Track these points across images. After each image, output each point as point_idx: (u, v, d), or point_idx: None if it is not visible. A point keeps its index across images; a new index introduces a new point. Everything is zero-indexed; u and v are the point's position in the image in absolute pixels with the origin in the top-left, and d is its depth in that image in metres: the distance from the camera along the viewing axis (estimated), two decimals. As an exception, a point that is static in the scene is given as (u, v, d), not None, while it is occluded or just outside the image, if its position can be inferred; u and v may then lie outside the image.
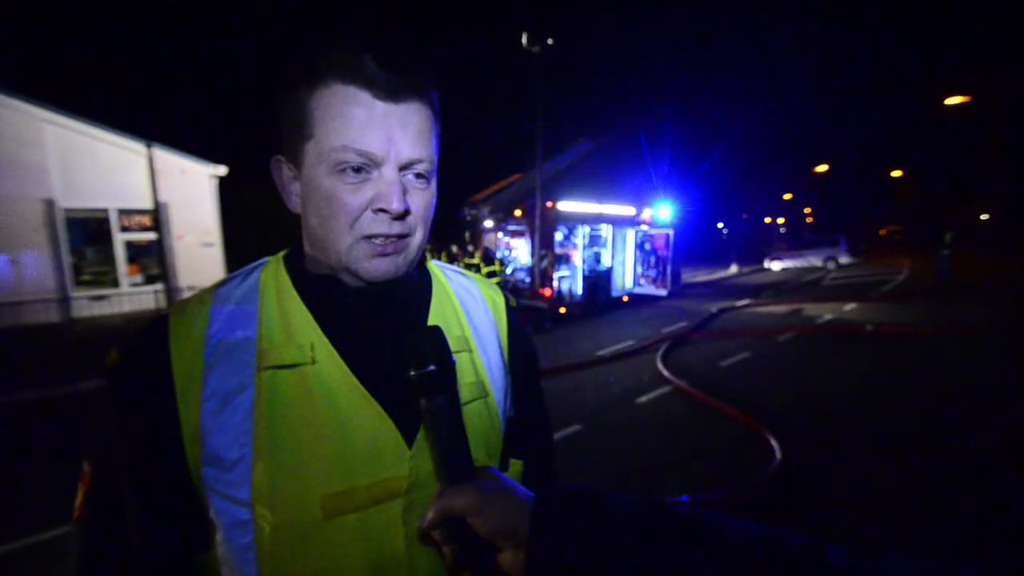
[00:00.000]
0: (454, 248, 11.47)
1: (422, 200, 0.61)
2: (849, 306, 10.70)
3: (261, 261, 0.68)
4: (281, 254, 0.69)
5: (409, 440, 0.59)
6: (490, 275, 10.22)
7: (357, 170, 0.57)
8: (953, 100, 19.15)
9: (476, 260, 10.90)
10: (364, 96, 0.56)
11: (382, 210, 0.58)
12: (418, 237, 0.63)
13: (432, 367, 0.52)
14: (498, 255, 10.97)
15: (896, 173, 46.89)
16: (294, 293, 0.63)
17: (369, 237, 0.59)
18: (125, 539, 0.55)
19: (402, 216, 0.59)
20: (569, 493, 0.50)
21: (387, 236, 0.59)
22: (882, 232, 52.95)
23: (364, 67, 0.55)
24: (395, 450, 0.58)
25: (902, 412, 4.61)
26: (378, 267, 0.60)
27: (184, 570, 0.57)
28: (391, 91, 0.56)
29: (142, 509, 0.55)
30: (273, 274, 0.65)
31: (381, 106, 0.56)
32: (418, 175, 0.60)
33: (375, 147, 0.56)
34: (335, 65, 0.56)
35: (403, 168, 0.58)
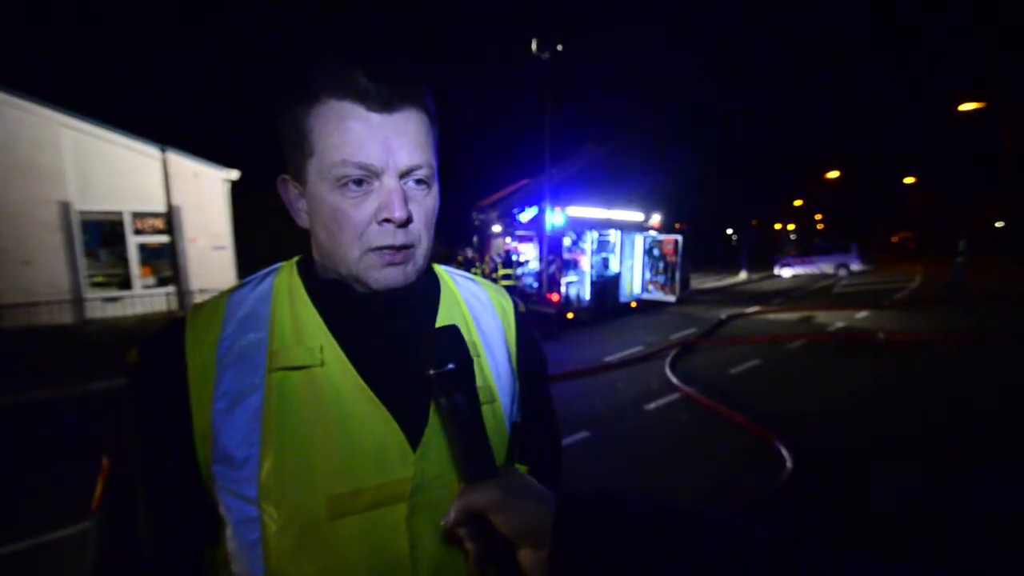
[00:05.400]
0: (470, 253, 11.49)
1: (424, 206, 0.62)
2: (861, 314, 10.59)
3: (275, 266, 0.70)
4: (295, 259, 0.70)
5: (414, 443, 0.59)
6: (506, 277, 10.25)
7: (358, 183, 0.58)
8: (967, 106, 18.96)
9: (486, 269, 10.91)
10: (358, 110, 0.57)
11: (387, 220, 0.59)
12: (424, 244, 0.64)
13: (452, 365, 0.52)
14: (515, 259, 10.99)
15: (909, 180, 46.43)
16: (306, 297, 0.64)
17: (376, 249, 0.60)
18: (138, 531, 0.57)
19: (405, 224, 0.60)
20: (592, 494, 0.50)
21: (393, 247, 0.60)
22: (894, 239, 52.45)
23: (355, 82, 0.56)
24: (400, 452, 0.58)
25: (915, 421, 4.54)
26: (388, 276, 0.62)
27: (193, 563, 0.59)
28: (384, 102, 0.57)
29: (154, 503, 0.57)
30: (286, 279, 0.66)
31: (376, 118, 0.57)
32: (418, 181, 0.61)
33: (373, 158, 0.57)
34: (328, 82, 0.57)
35: (403, 176, 0.60)
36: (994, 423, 4.42)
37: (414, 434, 0.60)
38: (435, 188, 0.64)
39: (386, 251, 0.60)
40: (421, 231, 0.62)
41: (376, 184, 0.59)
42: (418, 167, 0.60)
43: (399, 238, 0.60)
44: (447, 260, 12.53)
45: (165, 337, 0.60)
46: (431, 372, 0.52)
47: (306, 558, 0.54)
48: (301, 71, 0.59)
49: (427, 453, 0.59)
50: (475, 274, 0.87)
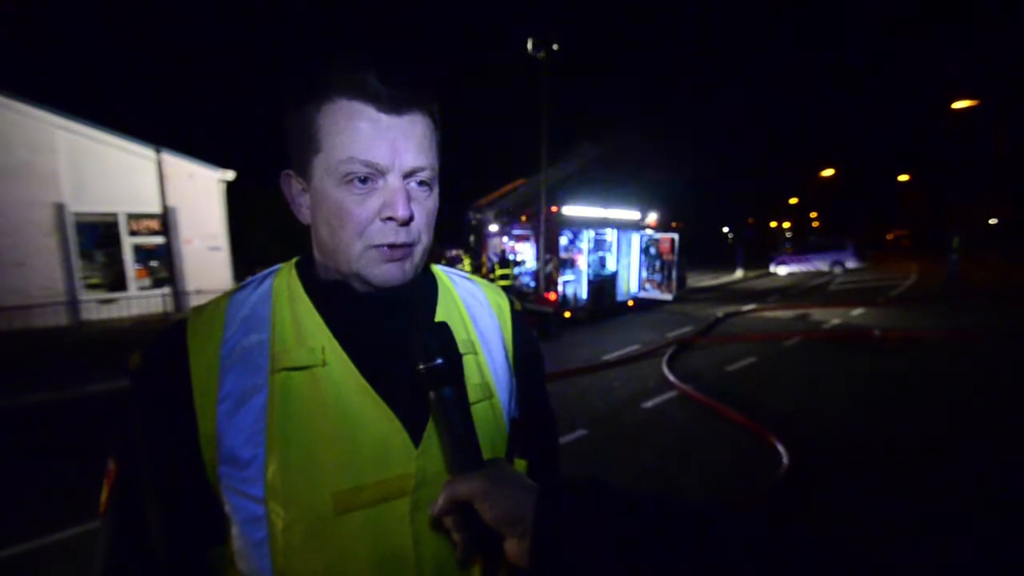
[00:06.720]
0: (452, 252, 11.46)
1: (426, 207, 0.64)
2: (856, 311, 10.63)
3: (274, 268, 0.71)
4: (293, 260, 0.71)
5: (416, 439, 0.60)
6: (503, 277, 10.24)
7: (363, 180, 0.59)
8: (961, 104, 19.05)
9: (470, 267, 10.87)
10: (369, 110, 0.58)
11: (389, 218, 0.60)
12: (423, 243, 0.65)
13: (439, 360, 0.54)
14: (511, 258, 10.99)
15: (903, 177, 46.62)
16: (305, 298, 0.65)
17: (377, 246, 0.61)
18: (147, 531, 0.58)
19: (407, 223, 0.61)
20: (575, 484, 0.51)
21: (394, 244, 0.61)
22: (889, 237, 52.62)
23: (368, 83, 0.58)
24: (402, 449, 0.60)
25: (910, 418, 4.58)
26: (387, 272, 0.63)
27: (200, 561, 0.60)
28: (394, 105, 0.59)
29: (160, 504, 0.58)
30: (286, 280, 0.67)
31: (385, 119, 0.59)
32: (421, 182, 0.63)
33: (380, 157, 0.58)
34: (340, 83, 0.58)
35: (407, 176, 0.61)
36: (991, 420, 4.46)
37: (416, 431, 0.61)
38: (436, 190, 0.66)
39: (386, 248, 0.61)
40: (421, 230, 0.64)
41: (381, 183, 0.60)
42: (422, 168, 0.61)
43: (400, 236, 0.61)
44: (438, 259, 12.53)
45: (167, 341, 0.61)
46: (420, 367, 0.54)
47: (313, 554, 0.55)
48: (313, 70, 0.60)
49: (429, 449, 0.61)
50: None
